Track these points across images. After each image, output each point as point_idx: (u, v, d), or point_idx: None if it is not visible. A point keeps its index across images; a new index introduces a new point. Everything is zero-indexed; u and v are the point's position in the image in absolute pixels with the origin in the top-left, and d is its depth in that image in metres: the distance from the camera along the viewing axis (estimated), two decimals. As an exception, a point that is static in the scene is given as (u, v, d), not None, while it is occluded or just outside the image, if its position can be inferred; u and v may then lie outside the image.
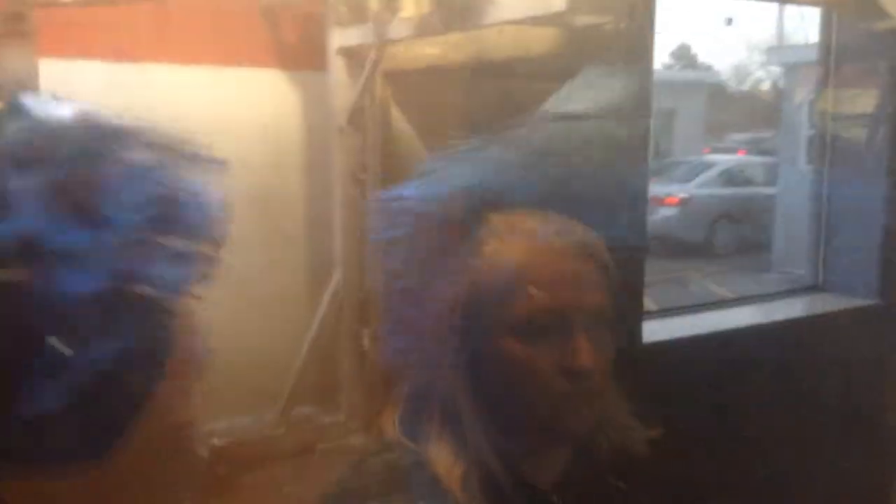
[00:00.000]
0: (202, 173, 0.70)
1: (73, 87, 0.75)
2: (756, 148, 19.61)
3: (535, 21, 3.58)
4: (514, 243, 1.05)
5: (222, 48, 4.62)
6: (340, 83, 4.74)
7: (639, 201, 2.67)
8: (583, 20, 3.38)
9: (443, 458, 1.03)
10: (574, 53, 3.31)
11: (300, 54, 4.88)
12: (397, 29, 4.24)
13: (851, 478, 3.15)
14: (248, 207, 4.68)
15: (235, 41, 4.66)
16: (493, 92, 3.81)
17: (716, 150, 19.43)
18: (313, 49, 4.78)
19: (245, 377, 4.46)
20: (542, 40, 3.79)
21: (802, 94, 12.16)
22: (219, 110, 4.41)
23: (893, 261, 3.49)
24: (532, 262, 1.04)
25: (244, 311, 4.61)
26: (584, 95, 2.69)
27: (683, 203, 13.25)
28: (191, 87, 4.51)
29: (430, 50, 4.39)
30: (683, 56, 29.66)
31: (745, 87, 30.21)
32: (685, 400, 2.46)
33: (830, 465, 3.09)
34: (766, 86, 28.63)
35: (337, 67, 4.73)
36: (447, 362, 1.04)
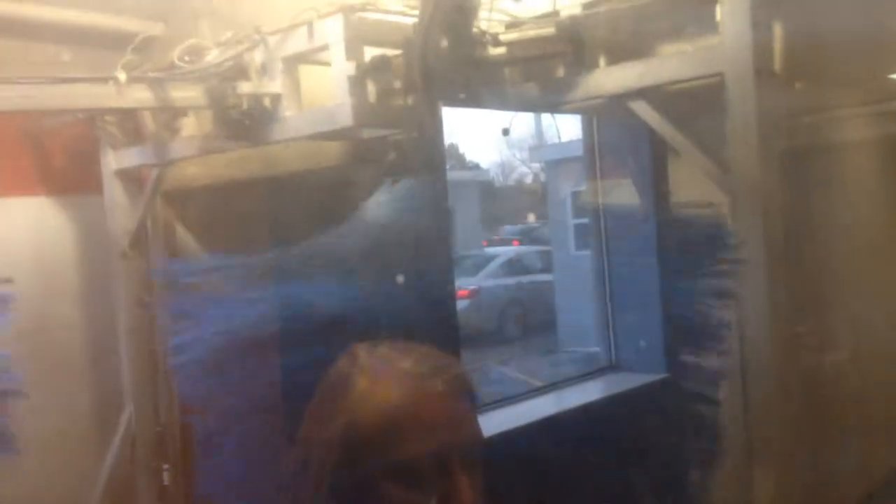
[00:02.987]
0: None
1: None
2: (528, 238, 20.93)
3: (323, 136, 3.64)
4: (388, 383, 1.03)
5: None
6: (119, 206, 4.51)
7: (449, 296, 2.74)
8: (372, 133, 3.49)
9: None
10: (366, 164, 3.39)
11: (72, 178, 4.59)
12: (178, 148, 4.13)
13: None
14: (21, 342, 4.26)
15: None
16: (287, 204, 3.80)
17: (493, 243, 20.49)
18: (87, 173, 4.52)
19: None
20: (331, 153, 3.85)
21: (565, 188, 13.21)
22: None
23: (673, 338, 3.81)
24: (409, 405, 1.01)
25: (21, 455, 4.14)
26: (386, 202, 2.76)
27: (473, 294, 13.77)
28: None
29: (214, 167, 4.31)
30: (453, 156, 31.30)
31: (511, 182, 32.37)
32: (525, 491, 2.49)
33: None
34: (529, 180, 30.85)
35: (114, 190, 4.50)
36: None
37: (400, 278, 2.63)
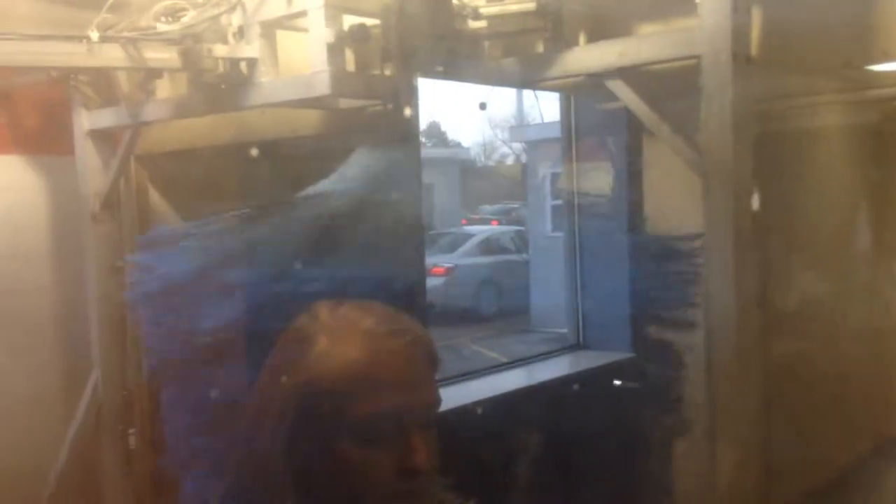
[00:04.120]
0: None
1: None
2: (506, 218, 20.96)
3: (300, 104, 3.61)
4: (348, 342, 1.02)
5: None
6: (91, 168, 4.45)
7: (419, 270, 2.75)
8: (347, 103, 3.47)
9: None
10: (341, 134, 3.37)
11: (44, 138, 4.53)
12: (153, 111, 4.08)
13: None
14: (-12, 304, 4.22)
15: (-31, 128, 4.25)
16: (260, 171, 3.78)
17: (471, 222, 20.51)
18: (59, 133, 4.46)
19: (-7, 495, 3.97)
20: (307, 122, 3.82)
21: (544, 169, 13.23)
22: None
23: (640, 318, 3.85)
24: (368, 364, 1.01)
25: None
26: (358, 173, 2.75)
27: (449, 272, 13.80)
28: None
29: (189, 131, 4.27)
30: (434, 134, 31.20)
31: (492, 162, 32.35)
32: (483, 463, 2.52)
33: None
34: (510, 160, 30.84)
35: (86, 151, 4.44)
36: (276, 463, 0.99)
37: (368, 250, 2.63)
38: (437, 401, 1.06)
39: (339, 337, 1.03)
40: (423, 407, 1.04)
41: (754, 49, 3.30)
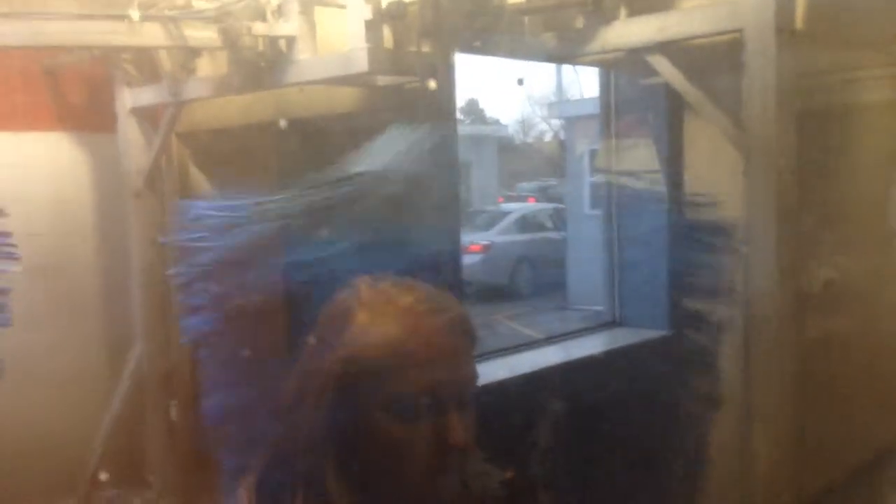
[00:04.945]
0: None
1: None
2: (544, 195, 20.82)
3: (338, 81, 3.62)
4: (388, 319, 1.03)
5: (2, 113, 4.28)
6: (134, 145, 4.52)
7: (455, 247, 2.76)
8: (385, 80, 3.47)
9: None
10: (379, 111, 3.38)
11: (88, 116, 4.61)
12: (193, 89, 4.12)
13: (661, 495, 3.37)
14: (35, 279, 4.32)
15: (15, 105, 4.33)
16: (300, 149, 3.80)
17: (508, 199, 20.41)
18: (102, 110, 4.53)
19: (38, 462, 4.08)
20: (345, 99, 3.83)
21: (583, 145, 13.10)
22: (-1, 176, 4.09)
23: (677, 296, 3.82)
24: (408, 341, 1.02)
25: (32, 391, 4.24)
26: (393, 150, 2.76)
27: (486, 250, 13.77)
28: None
29: (229, 109, 4.30)
30: (472, 111, 31.05)
31: (530, 139, 32.12)
32: (520, 437, 2.53)
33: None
34: (548, 137, 30.60)
35: (129, 129, 4.51)
36: (316, 436, 1.01)
37: (405, 228, 2.64)
38: (475, 378, 1.07)
39: (379, 312, 1.03)
40: (460, 384, 1.04)
41: (799, 22, 3.23)
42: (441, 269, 2.74)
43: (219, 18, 3.54)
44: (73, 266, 4.56)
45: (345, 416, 1.01)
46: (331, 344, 1.03)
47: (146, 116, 4.51)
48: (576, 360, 3.53)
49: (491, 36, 3.38)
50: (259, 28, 3.51)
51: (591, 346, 3.78)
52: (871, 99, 4.18)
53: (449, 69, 3.02)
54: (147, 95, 4.39)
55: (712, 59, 3.47)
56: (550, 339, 4.21)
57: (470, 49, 3.55)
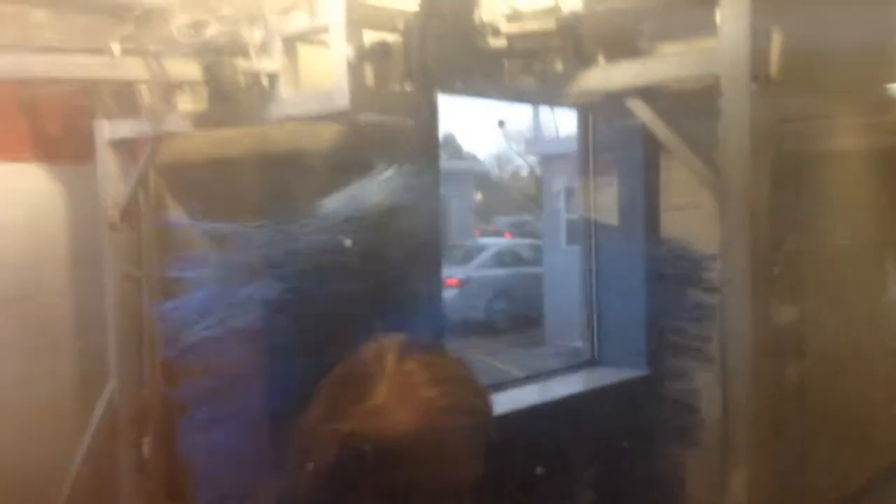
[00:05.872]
0: None
1: None
2: (520, 230, 20.94)
3: (319, 118, 3.63)
4: (408, 409, 0.98)
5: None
6: (110, 177, 4.49)
7: (435, 288, 2.76)
8: (368, 118, 3.49)
9: None
10: (361, 148, 3.39)
11: (65, 147, 4.57)
12: (173, 122, 4.12)
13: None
14: (6, 308, 4.25)
15: (-9, 135, 4.29)
16: (279, 184, 3.80)
17: (485, 234, 20.51)
18: (80, 142, 4.50)
19: (4, 498, 3.99)
20: (326, 136, 3.85)
21: (560, 182, 13.23)
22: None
23: (655, 334, 3.84)
24: (423, 439, 0.98)
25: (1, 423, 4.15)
26: (377, 187, 2.76)
27: (463, 284, 13.80)
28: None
29: (208, 143, 4.30)
30: (449, 146, 31.23)
31: (506, 174, 32.32)
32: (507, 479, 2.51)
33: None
34: (524, 173, 30.80)
35: (107, 161, 4.49)
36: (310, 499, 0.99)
37: (386, 264, 2.64)
38: (480, 475, 1.03)
39: (400, 397, 0.99)
40: (464, 482, 1.01)
41: (774, 69, 3.30)
42: (421, 308, 2.74)
43: (201, 53, 3.56)
44: (45, 297, 4.49)
45: (339, 492, 0.98)
46: (343, 409, 0.99)
47: (124, 149, 4.48)
48: (550, 400, 3.53)
49: (472, 78, 3.42)
50: (242, 64, 3.53)
51: (566, 385, 3.78)
52: (844, 145, 4.27)
53: (432, 109, 3.05)
54: (126, 128, 4.37)
55: (689, 105, 3.54)
56: (530, 378, 4.21)
57: (451, 90, 3.59)
